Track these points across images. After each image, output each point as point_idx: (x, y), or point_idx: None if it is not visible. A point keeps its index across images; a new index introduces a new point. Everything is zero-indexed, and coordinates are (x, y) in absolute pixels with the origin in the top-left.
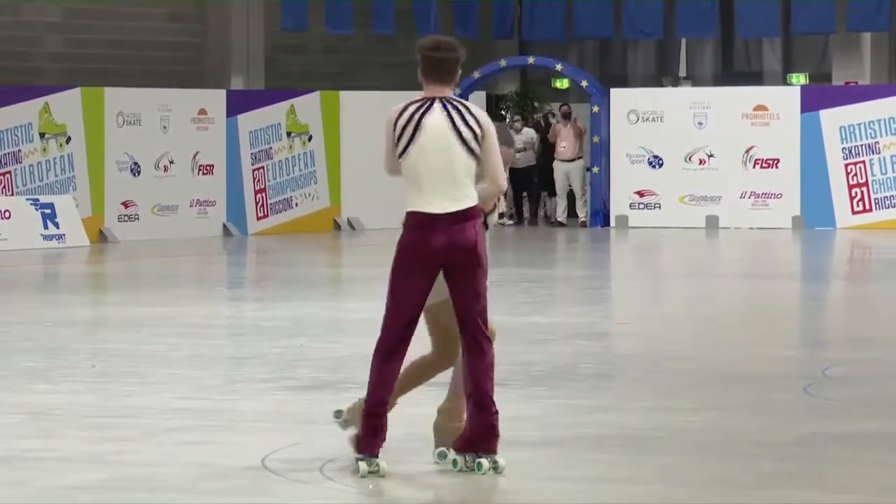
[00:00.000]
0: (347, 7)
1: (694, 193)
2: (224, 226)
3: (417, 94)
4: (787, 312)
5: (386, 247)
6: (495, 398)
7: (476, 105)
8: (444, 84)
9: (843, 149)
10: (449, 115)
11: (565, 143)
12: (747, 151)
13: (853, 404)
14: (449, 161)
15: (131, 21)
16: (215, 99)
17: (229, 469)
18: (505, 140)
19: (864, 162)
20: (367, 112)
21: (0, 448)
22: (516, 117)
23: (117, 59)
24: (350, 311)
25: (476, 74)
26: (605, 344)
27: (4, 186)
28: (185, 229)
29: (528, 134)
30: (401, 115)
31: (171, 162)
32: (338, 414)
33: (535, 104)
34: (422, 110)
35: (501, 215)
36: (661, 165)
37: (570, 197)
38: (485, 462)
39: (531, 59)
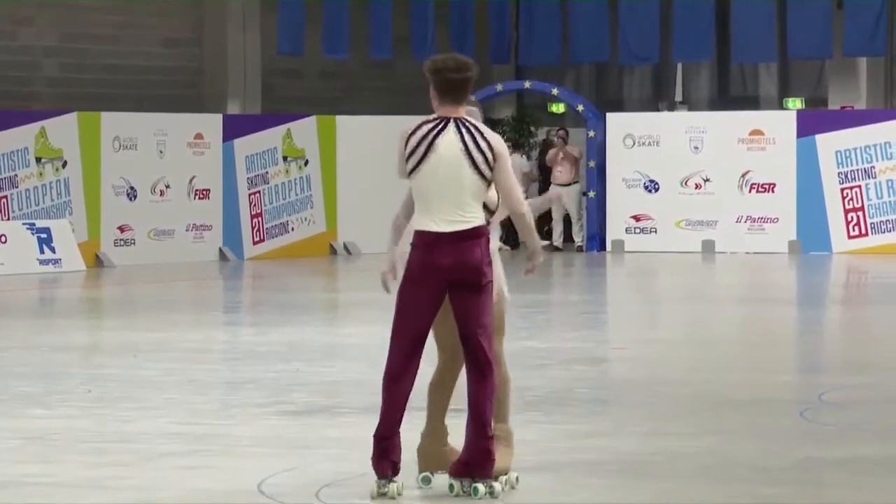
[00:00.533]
0: (344, 31)
1: (690, 218)
2: (220, 250)
3: (413, 119)
4: (784, 337)
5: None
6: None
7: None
8: (459, 104)
9: (839, 173)
10: (462, 137)
11: (561, 168)
12: (743, 176)
13: (850, 429)
14: (458, 183)
15: (128, 46)
16: (211, 123)
17: (226, 493)
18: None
19: (860, 186)
20: (364, 137)
21: None
22: (507, 144)
23: (114, 84)
24: (346, 335)
25: (472, 99)
26: (601, 369)
27: (0, 211)
28: (182, 254)
29: (518, 162)
30: (413, 133)
31: (168, 186)
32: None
33: (532, 129)
34: (436, 131)
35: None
36: (657, 190)
37: (567, 221)
38: (481, 487)
39: (527, 84)
